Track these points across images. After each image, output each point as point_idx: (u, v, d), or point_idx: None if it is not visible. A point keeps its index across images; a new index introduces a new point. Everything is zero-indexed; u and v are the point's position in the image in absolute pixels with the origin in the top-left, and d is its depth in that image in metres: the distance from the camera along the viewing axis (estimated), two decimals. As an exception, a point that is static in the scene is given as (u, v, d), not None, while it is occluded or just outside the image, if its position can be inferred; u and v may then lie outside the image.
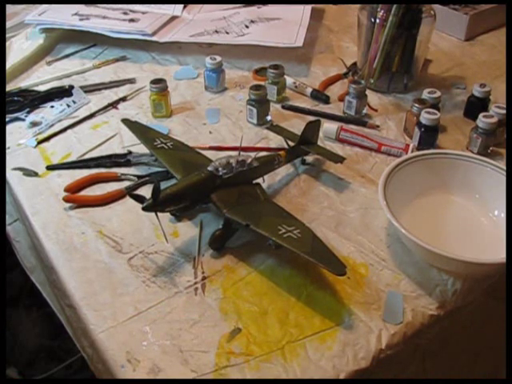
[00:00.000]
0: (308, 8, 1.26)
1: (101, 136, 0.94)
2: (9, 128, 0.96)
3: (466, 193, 0.78)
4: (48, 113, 0.99)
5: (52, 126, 0.96)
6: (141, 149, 0.88)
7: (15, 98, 1.02)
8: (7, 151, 0.91)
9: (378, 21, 0.98)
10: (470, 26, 1.23)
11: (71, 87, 1.05)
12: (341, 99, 1.02)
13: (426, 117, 0.87)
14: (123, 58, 1.17)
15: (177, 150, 0.83)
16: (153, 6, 1.27)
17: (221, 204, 0.71)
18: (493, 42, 1.24)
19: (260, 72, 1.11)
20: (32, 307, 1.47)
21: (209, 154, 0.85)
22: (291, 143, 0.88)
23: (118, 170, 0.86)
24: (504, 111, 0.89)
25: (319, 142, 0.90)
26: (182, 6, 1.28)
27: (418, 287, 0.68)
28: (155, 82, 0.96)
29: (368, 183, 0.84)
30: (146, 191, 0.79)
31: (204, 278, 0.69)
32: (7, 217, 0.95)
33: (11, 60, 1.11)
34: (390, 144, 0.90)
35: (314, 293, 0.67)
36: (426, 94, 0.94)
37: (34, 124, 0.96)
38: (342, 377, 0.59)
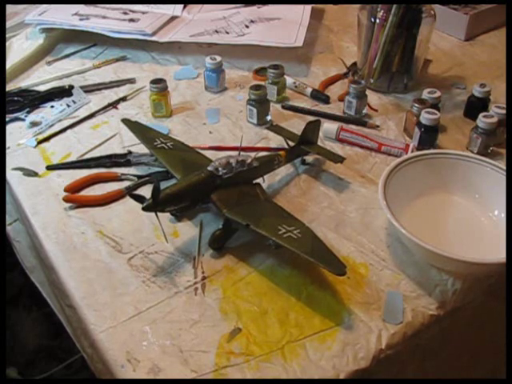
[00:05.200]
0: (308, 8, 1.26)
1: (101, 136, 0.94)
2: (9, 128, 0.96)
3: (465, 193, 0.78)
4: (48, 113, 0.99)
5: (52, 125, 0.96)
6: (141, 149, 0.88)
7: (15, 98, 1.02)
8: (7, 151, 0.91)
9: (378, 21, 0.98)
10: (470, 26, 1.23)
11: (71, 87, 1.05)
12: (341, 99, 1.02)
13: (426, 117, 0.87)
14: (123, 58, 1.17)
15: (177, 149, 0.83)
16: (153, 5, 1.27)
17: (221, 204, 0.71)
18: (493, 42, 1.24)
19: (260, 72, 1.11)
20: (32, 307, 1.47)
21: (209, 154, 0.85)
22: (291, 143, 0.88)
23: (118, 170, 0.86)
24: (504, 111, 0.89)
25: (319, 142, 0.90)
26: (181, 5, 1.28)
27: (418, 287, 0.68)
28: (155, 81, 0.96)
29: (368, 183, 0.84)
30: (146, 191, 0.79)
31: (204, 278, 0.69)
32: (7, 217, 0.95)
33: (11, 60, 1.11)
34: (390, 144, 0.90)
35: (314, 293, 0.67)
36: (425, 94, 0.94)
37: (33, 124, 0.96)
38: (341, 377, 0.59)
